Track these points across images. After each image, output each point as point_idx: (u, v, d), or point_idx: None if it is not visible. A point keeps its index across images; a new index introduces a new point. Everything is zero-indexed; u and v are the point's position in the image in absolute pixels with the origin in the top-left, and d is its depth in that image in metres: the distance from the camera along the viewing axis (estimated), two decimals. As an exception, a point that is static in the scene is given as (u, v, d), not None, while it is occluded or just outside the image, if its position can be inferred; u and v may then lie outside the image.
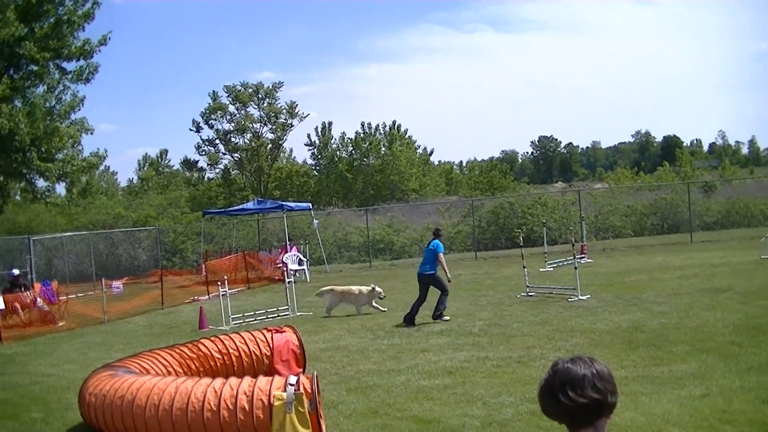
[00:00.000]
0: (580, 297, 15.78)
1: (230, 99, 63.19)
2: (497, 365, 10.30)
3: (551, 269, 22.58)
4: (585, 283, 17.33)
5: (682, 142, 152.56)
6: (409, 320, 14.73)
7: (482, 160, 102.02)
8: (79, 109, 32.79)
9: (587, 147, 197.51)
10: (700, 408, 7.42)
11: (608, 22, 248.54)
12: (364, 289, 17.16)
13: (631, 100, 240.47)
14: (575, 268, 16.65)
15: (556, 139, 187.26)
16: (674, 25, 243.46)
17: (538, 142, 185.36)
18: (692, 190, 37.13)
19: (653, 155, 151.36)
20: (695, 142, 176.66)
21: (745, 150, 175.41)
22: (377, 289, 17.02)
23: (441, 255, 15.23)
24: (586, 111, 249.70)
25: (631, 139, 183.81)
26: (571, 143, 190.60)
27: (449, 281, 15.23)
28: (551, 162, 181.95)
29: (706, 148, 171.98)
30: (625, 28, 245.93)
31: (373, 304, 16.99)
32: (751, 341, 10.22)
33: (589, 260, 24.47)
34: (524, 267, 17.71)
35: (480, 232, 35.97)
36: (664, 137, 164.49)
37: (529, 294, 17.22)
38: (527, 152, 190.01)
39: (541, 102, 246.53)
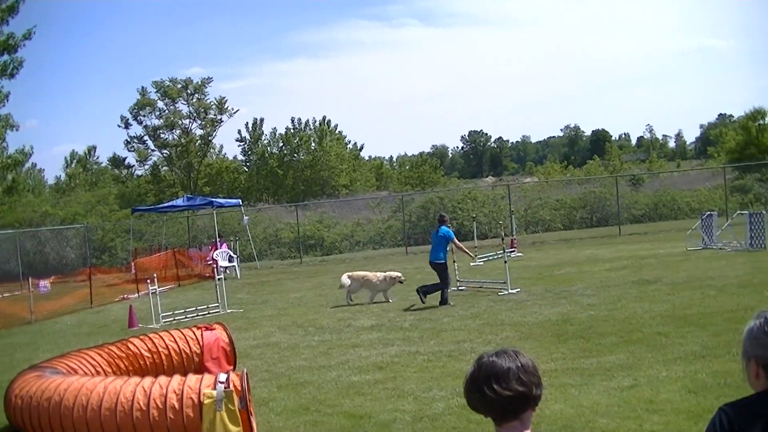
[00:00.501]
0: (510, 290, 16.00)
1: (159, 95, 62.33)
2: (428, 360, 10.38)
3: (481, 263, 22.80)
4: (515, 276, 17.57)
5: (611, 136, 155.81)
6: (444, 301, 15.34)
7: (412, 155, 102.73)
8: (3, 105, 31.98)
9: (517, 141, 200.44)
10: (628, 398, 7.58)
11: (538, 16, 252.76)
12: (381, 275, 17.10)
13: (561, 94, 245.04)
14: (505, 261, 16.85)
15: (486, 134, 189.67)
16: (603, 19, 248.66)
17: (468, 136, 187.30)
18: (620, 184, 38.01)
19: (582, 149, 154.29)
20: (624, 136, 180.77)
21: (672, 144, 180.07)
22: (395, 274, 17.01)
23: (455, 240, 16.16)
24: (515, 105, 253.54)
25: (561, 133, 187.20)
26: (501, 138, 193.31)
27: (473, 258, 16.99)
28: (481, 156, 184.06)
29: (634, 141, 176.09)
30: (555, 21, 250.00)
31: (388, 293, 16.99)
32: (677, 332, 10.49)
33: (519, 254, 24.82)
34: (454, 261, 17.85)
35: (410, 227, 36.14)
36: (593, 131, 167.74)
37: (460, 288, 17.38)
38: (457, 147, 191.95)
39: (471, 96, 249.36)
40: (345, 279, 17.34)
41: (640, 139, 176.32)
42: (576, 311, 13.07)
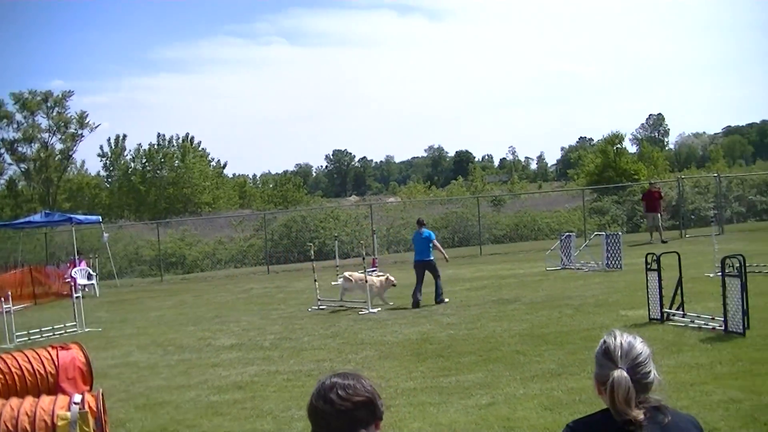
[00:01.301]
0: (371, 310, 16.13)
1: (17, 107, 60.10)
2: (287, 379, 10.37)
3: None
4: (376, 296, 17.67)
5: (474, 158, 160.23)
6: (415, 304, 16.77)
7: (276, 173, 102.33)
8: None
9: (381, 161, 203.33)
10: (486, 416, 7.75)
11: (404, 38, 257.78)
12: (377, 280, 17.78)
13: (425, 115, 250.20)
14: (365, 281, 16.95)
15: (351, 153, 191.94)
16: (468, 42, 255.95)
17: (332, 155, 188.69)
18: (482, 204, 38.98)
19: (446, 170, 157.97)
20: (487, 157, 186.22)
21: (534, 165, 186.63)
22: (390, 278, 17.80)
23: (435, 241, 17.82)
24: (380, 125, 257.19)
25: (425, 154, 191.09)
26: (365, 157, 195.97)
27: (447, 260, 18.72)
28: (345, 176, 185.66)
29: (497, 163, 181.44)
30: (420, 44, 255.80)
31: (384, 296, 17.54)
32: (535, 350, 10.83)
33: (381, 273, 24.98)
34: (315, 281, 17.84)
35: (272, 246, 35.91)
36: (456, 152, 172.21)
37: (321, 307, 17.38)
38: (322, 166, 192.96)
39: (336, 116, 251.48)
40: (344, 277, 18.29)
41: (502, 160, 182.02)
42: (436, 330, 13.29)
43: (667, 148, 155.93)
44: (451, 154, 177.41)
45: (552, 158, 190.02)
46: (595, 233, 25.22)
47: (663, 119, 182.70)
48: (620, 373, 2.61)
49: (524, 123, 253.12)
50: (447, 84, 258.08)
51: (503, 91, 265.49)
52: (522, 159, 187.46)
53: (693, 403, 7.54)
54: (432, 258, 17.47)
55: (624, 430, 2.59)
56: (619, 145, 50.41)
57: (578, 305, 14.70)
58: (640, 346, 2.70)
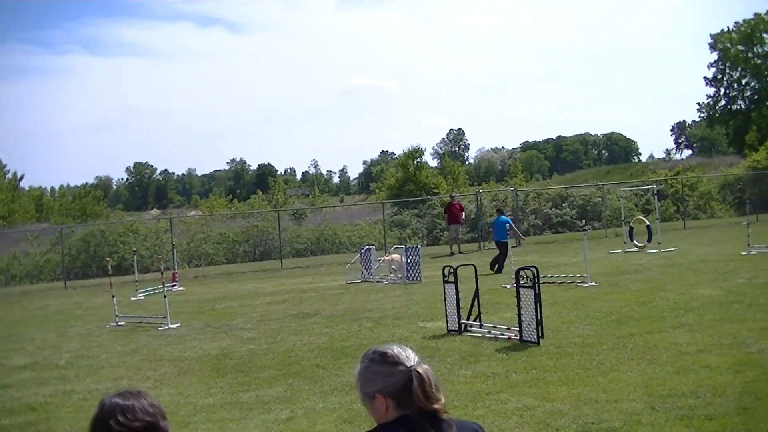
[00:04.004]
0: (170, 325, 15.77)
1: None
2: (83, 398, 10.02)
3: (142, 297, 22.29)
4: (176, 311, 17.35)
5: (277, 171, 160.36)
6: (499, 269, 21.69)
7: (75, 186, 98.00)
8: None
9: (183, 174, 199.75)
10: (285, 431, 7.81)
11: (205, 50, 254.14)
12: (397, 257, 21.87)
13: (228, 128, 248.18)
14: (165, 296, 16.57)
15: (152, 166, 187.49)
16: (269, 55, 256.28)
17: (133, 168, 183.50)
18: (283, 218, 39.02)
19: (248, 183, 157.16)
20: (289, 170, 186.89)
21: (336, 179, 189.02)
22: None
23: (512, 225, 23.54)
24: (182, 138, 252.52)
25: (227, 167, 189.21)
26: (167, 170, 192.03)
27: (522, 239, 25.19)
28: (147, 189, 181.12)
29: (299, 176, 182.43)
30: (222, 56, 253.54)
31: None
32: (334, 363, 10.98)
33: (181, 288, 24.55)
34: (113, 296, 17.25)
35: (70, 261, 34.36)
36: (259, 165, 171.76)
37: (119, 324, 16.81)
38: (122, 178, 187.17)
39: (137, 128, 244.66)
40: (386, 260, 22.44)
41: (305, 173, 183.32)
42: (236, 345, 13.19)
43: (467, 163, 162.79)
44: (254, 167, 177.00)
45: (354, 172, 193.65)
46: (395, 246, 25.87)
47: (463, 134, 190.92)
48: (421, 365, 2.70)
49: (327, 136, 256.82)
50: (249, 97, 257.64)
51: (306, 105, 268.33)
52: (324, 172, 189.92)
53: (488, 412, 7.91)
54: (505, 239, 21.68)
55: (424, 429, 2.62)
56: (419, 159, 52.09)
57: (378, 318, 15.02)
58: (399, 347, 2.77)
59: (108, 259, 24.42)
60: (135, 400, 2.56)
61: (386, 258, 22.75)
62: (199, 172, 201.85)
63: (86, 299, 23.99)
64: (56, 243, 36.11)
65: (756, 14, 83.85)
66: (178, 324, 16.03)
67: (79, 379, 11.43)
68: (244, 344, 13.26)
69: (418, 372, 2.66)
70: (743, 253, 20.71)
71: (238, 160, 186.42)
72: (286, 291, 21.49)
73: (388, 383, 2.69)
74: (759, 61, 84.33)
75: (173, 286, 24.06)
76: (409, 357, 2.72)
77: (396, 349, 2.75)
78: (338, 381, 9.87)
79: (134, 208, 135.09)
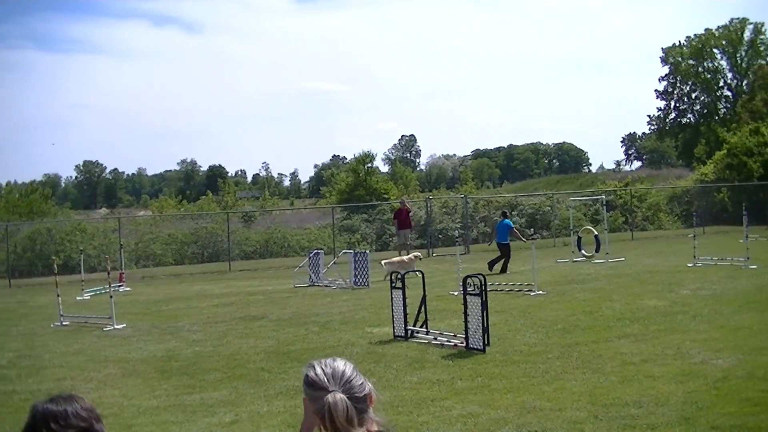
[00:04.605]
0: (116, 326, 15.57)
1: None
2: (25, 399, 9.79)
3: (88, 297, 21.96)
4: (122, 311, 17.14)
5: (228, 173, 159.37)
6: (504, 269, 23.09)
7: (23, 182, 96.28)
8: None
9: (133, 173, 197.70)
10: (229, 434, 7.75)
11: (159, 48, 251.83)
12: (405, 258, 22.63)
13: (179, 128, 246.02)
14: (111, 296, 16.36)
15: (102, 165, 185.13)
16: (222, 55, 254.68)
17: (83, 166, 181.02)
18: (233, 220, 38.79)
19: (199, 184, 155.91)
20: (240, 172, 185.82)
21: (287, 182, 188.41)
22: (417, 253, 23.37)
23: (514, 229, 24.76)
24: (132, 137, 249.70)
25: (178, 168, 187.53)
26: (116, 169, 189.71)
27: (526, 240, 24.74)
28: (96, 187, 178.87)
29: (250, 179, 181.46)
30: (175, 55, 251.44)
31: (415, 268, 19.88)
32: (280, 367, 10.96)
33: (128, 288, 24.28)
34: (58, 296, 16.97)
35: (15, 259, 33.70)
36: (210, 166, 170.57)
37: (64, 323, 16.54)
38: (71, 176, 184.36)
39: (87, 126, 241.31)
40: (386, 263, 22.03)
41: (256, 176, 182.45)
42: (182, 347, 13.09)
43: (418, 169, 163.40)
44: (205, 168, 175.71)
45: (305, 175, 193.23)
46: (344, 251, 25.87)
47: (415, 140, 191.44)
48: (334, 395, 2.62)
49: (279, 139, 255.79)
50: (202, 97, 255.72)
51: (258, 107, 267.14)
52: (276, 175, 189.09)
53: (433, 419, 7.95)
54: (507, 241, 23.64)
55: None
56: (370, 165, 52.21)
57: (325, 322, 15.02)
58: (342, 364, 2.73)
59: (54, 257, 24.07)
60: (67, 405, 2.52)
61: (394, 260, 22.46)
62: (150, 172, 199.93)
63: (31, 298, 23.59)
64: (1, 240, 35.41)
65: (707, 30, 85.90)
66: (124, 325, 15.83)
67: (21, 379, 11.22)
68: (190, 346, 13.16)
69: (328, 403, 2.62)
70: (689, 265, 21.09)
71: (189, 160, 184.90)
72: (234, 293, 21.36)
73: (316, 407, 2.68)
74: (709, 76, 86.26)
75: (120, 286, 23.77)
76: (332, 381, 2.68)
77: (324, 369, 2.71)
78: (283, 385, 9.85)
79: (83, 207, 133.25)
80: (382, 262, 22.60)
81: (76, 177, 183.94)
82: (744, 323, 12.27)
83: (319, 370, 2.71)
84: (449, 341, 11.94)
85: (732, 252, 22.66)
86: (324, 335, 13.58)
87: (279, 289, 21.99)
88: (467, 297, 11.54)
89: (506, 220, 24.54)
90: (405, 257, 23.05)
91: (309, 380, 2.71)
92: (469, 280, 11.69)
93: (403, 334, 12.68)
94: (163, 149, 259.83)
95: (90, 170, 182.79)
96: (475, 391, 8.97)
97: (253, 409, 8.73)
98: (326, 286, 21.87)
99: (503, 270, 22.93)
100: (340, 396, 2.63)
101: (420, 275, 13.74)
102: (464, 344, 11.48)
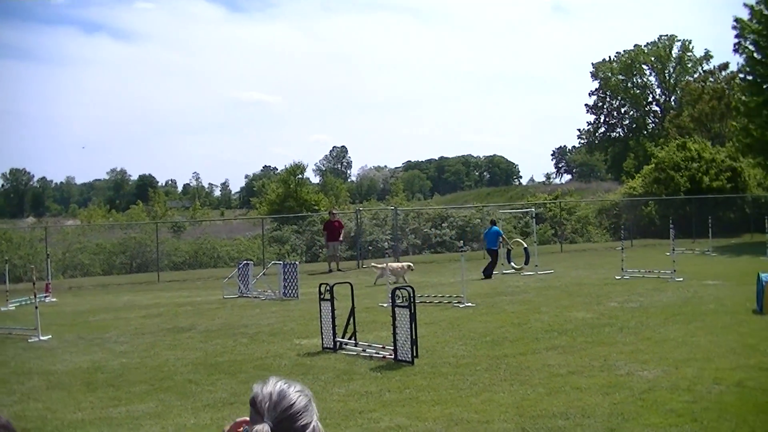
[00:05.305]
0: (41, 337, 15.19)
1: None
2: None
3: (13, 308, 21.40)
4: (47, 322, 16.69)
5: (158, 182, 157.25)
6: (488, 274, 24.25)
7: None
8: None
9: (62, 182, 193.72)
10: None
11: (89, 56, 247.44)
12: (397, 266, 23.68)
13: (109, 137, 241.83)
14: (36, 307, 15.96)
15: (29, 173, 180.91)
16: (152, 65, 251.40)
17: (9, 174, 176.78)
18: (162, 230, 38.22)
19: (128, 193, 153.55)
20: (170, 182, 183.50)
21: (218, 192, 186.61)
22: (410, 264, 23.83)
23: (502, 235, 26.01)
24: (61, 145, 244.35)
25: (107, 177, 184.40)
26: (44, 177, 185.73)
27: (510, 249, 27.21)
28: (23, 196, 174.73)
29: (180, 188, 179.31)
30: (105, 63, 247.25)
31: (406, 278, 22.38)
32: (208, 379, 10.84)
33: (54, 299, 23.73)
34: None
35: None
36: (140, 176, 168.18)
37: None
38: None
39: (14, 133, 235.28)
40: (375, 266, 23.91)
41: (186, 186, 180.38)
42: (108, 359, 12.84)
43: (349, 180, 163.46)
44: (135, 177, 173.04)
45: (236, 186, 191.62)
46: (273, 262, 25.71)
47: (346, 152, 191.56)
48: (262, 428, 2.40)
49: (210, 149, 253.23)
50: (132, 106, 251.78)
51: (190, 116, 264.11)
52: (206, 185, 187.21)
53: (361, 431, 7.96)
54: (496, 247, 25.02)
55: None
56: (301, 176, 52.05)
57: (253, 334, 14.91)
58: (294, 396, 2.47)
59: (-23, 267, 23.41)
60: None
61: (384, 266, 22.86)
62: (78, 181, 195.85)
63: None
64: (-76, 249, 34.38)
65: (636, 46, 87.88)
66: (50, 336, 15.45)
67: (-59, 392, 10.88)
68: (116, 358, 12.92)
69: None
70: (617, 277, 21.54)
71: (118, 170, 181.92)
72: (163, 304, 21.05)
73: (249, 429, 2.47)
74: (638, 91, 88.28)
75: (46, 296, 23.22)
76: (271, 409, 2.44)
77: (272, 392, 2.47)
78: (211, 397, 9.74)
79: (9, 216, 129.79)
80: (372, 265, 24.31)
81: (3, 185, 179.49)
82: (669, 335, 12.57)
83: (268, 391, 2.47)
84: (378, 353, 11.93)
85: (659, 265, 23.23)
86: (252, 347, 13.47)
87: (208, 300, 21.74)
88: (396, 309, 11.53)
89: (495, 227, 25.47)
90: (397, 264, 24.23)
91: (252, 398, 2.48)
92: (397, 292, 11.71)
93: (331, 346, 12.65)
94: (92, 158, 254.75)
95: (17, 178, 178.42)
96: (403, 403, 8.98)
97: (179, 422, 8.61)
98: (255, 297, 21.71)
99: (488, 275, 24.20)
100: (265, 428, 2.40)
101: (350, 286, 13.72)
102: (393, 356, 11.47)
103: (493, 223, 26.25)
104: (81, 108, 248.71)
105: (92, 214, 66.92)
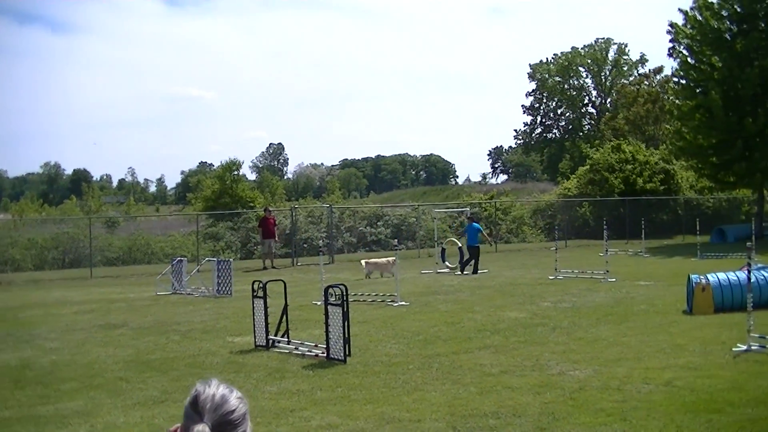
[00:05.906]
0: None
1: None
2: None
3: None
4: (-27, 319, 16.35)
5: (92, 177, 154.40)
6: (462, 267, 25.10)
7: None
8: None
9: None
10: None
11: (23, 48, 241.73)
12: (384, 260, 24.23)
13: (42, 130, 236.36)
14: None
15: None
16: (87, 58, 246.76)
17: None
18: (96, 226, 37.54)
19: (62, 188, 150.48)
20: (105, 177, 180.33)
21: (153, 188, 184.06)
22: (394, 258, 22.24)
23: (482, 231, 26.64)
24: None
25: (41, 171, 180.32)
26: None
27: (491, 243, 29.52)
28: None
29: (115, 183, 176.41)
30: (41, 55, 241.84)
31: (393, 271, 22.08)
32: (139, 377, 10.71)
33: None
34: None
35: None
36: (74, 170, 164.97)
37: None
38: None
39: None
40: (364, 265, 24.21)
41: (122, 181, 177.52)
42: (38, 356, 12.60)
43: (286, 178, 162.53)
44: (69, 171, 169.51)
45: (172, 182, 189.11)
46: (207, 259, 25.48)
47: (283, 149, 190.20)
48: (202, 428, 2.40)
49: (145, 145, 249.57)
50: (67, 99, 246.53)
51: (125, 111, 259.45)
52: (141, 181, 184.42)
53: (292, 429, 7.94)
54: (477, 243, 25.24)
55: None
56: (236, 172, 51.57)
57: (186, 331, 14.76)
58: (235, 402, 2.48)
59: None
60: None
61: (374, 261, 24.43)
62: (11, 174, 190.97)
63: None
64: None
65: (573, 48, 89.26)
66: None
67: None
68: (46, 355, 12.69)
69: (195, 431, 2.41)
70: (551, 277, 21.84)
71: (52, 163, 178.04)
72: (95, 300, 20.71)
73: (185, 425, 2.47)
74: (574, 93, 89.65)
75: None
76: (211, 411, 2.43)
77: (215, 394, 2.47)
78: (141, 395, 9.63)
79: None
80: (362, 261, 24.61)
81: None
82: (601, 335, 12.75)
83: (210, 393, 2.46)
84: (310, 351, 11.89)
85: (592, 265, 23.63)
86: (184, 344, 13.34)
87: (141, 296, 21.46)
88: (329, 307, 11.50)
89: (475, 223, 26.15)
90: (383, 259, 24.62)
91: (194, 396, 2.46)
92: (330, 290, 11.71)
93: (264, 344, 12.59)
94: (25, 151, 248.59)
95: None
96: (334, 402, 8.97)
97: (109, 420, 8.50)
98: (189, 294, 21.49)
99: (474, 271, 24.79)
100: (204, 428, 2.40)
101: (283, 283, 13.66)
102: (325, 354, 11.46)
103: (472, 219, 26.93)
104: (14, 99, 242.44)
105: (24, 208, 65.40)
